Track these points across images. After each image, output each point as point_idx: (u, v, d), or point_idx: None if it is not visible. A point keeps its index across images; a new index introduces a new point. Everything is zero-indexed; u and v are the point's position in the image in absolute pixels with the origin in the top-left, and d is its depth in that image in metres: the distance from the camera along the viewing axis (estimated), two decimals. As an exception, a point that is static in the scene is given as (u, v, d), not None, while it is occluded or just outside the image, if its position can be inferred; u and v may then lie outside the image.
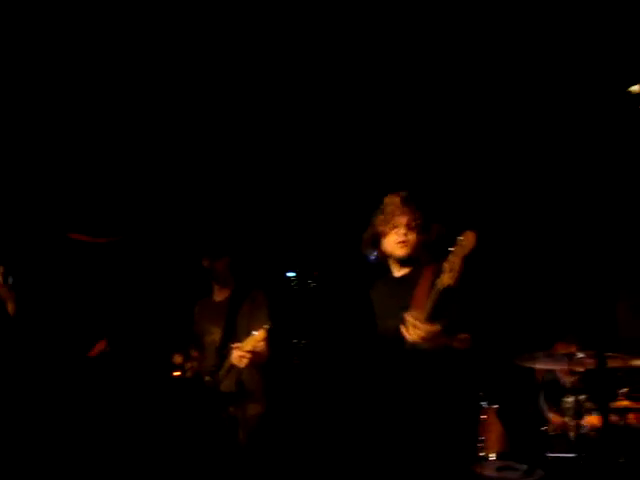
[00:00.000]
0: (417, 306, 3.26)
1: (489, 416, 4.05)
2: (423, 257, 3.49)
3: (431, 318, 3.10)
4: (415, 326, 3.09)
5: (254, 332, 3.82)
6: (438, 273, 3.20)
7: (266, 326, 3.83)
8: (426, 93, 4.86)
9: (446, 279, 3.07)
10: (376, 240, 3.54)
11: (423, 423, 3.18)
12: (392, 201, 3.51)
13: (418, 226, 3.45)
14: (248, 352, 3.79)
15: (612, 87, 2.24)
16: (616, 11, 4.09)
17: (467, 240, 3.07)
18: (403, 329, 3.14)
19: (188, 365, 4.08)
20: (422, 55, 4.57)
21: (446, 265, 3.08)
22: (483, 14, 4.29)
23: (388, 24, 4.39)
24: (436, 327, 3.09)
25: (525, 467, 3.88)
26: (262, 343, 3.83)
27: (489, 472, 3.86)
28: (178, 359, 4.13)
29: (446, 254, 3.20)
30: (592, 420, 3.99)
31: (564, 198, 4.96)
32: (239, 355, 3.82)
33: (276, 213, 5.29)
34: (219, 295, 4.32)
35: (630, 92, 2.09)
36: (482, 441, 3.92)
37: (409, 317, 3.13)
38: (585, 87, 4.45)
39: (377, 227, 3.51)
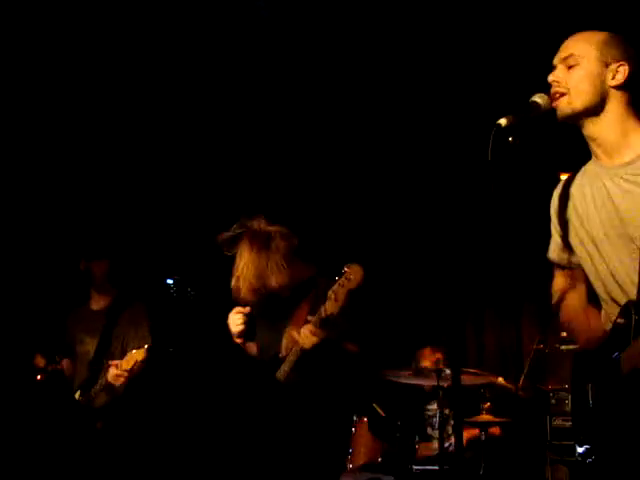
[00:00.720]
0: (295, 325, 3.28)
1: (359, 428, 4.15)
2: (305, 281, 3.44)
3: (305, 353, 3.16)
4: (311, 332, 3.14)
5: (134, 350, 3.73)
6: (316, 292, 3.27)
7: (147, 345, 3.75)
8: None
9: (330, 308, 3.11)
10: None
11: (292, 433, 3.19)
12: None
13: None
14: (125, 371, 3.69)
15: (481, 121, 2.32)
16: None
17: (354, 274, 3.11)
18: (295, 336, 3.17)
19: (50, 368, 3.88)
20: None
21: (330, 294, 3.10)
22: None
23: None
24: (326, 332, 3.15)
25: (391, 479, 3.99)
26: (141, 363, 3.72)
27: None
28: (40, 362, 3.92)
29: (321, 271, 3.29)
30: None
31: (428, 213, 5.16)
32: (116, 374, 3.72)
33: (158, 215, 5.20)
34: (97, 303, 4.14)
35: (499, 125, 2.14)
36: (351, 453, 4.01)
37: (300, 330, 3.18)
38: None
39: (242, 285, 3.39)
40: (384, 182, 5.34)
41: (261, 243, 3.33)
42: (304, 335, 3.16)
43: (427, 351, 4.61)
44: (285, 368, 3.21)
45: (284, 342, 3.30)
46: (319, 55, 4.50)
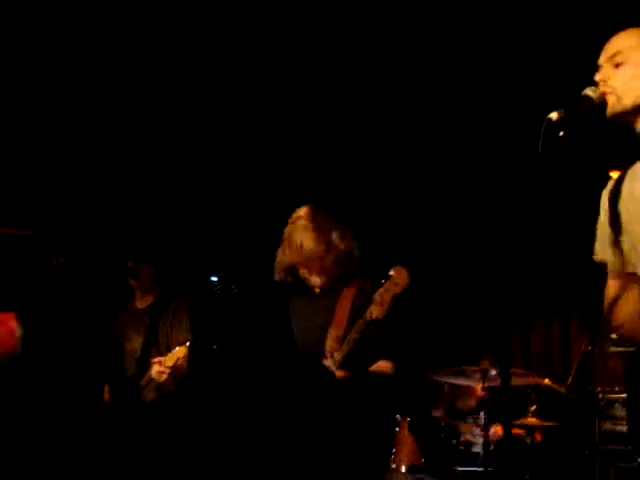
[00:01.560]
0: (337, 322, 3.27)
1: (402, 429, 4.11)
2: (342, 275, 3.42)
3: (352, 350, 3.11)
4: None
5: (176, 348, 3.77)
6: (360, 293, 3.25)
7: (187, 342, 3.78)
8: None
9: (375, 312, 3.05)
10: (292, 270, 3.44)
11: (337, 435, 3.17)
12: (296, 228, 3.40)
13: (329, 252, 3.34)
14: (168, 368, 3.73)
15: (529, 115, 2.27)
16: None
17: (400, 278, 3.05)
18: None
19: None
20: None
21: (377, 297, 3.05)
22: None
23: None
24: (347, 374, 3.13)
25: (435, 480, 3.95)
26: (183, 360, 3.76)
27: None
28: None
29: (363, 272, 3.26)
30: (498, 430, 4.10)
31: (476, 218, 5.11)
32: (159, 371, 3.76)
33: (200, 217, 5.25)
34: (141, 302, 4.21)
35: (550, 119, 2.09)
36: (394, 453, 3.98)
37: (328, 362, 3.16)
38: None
39: (287, 257, 3.41)
40: (431, 182, 5.30)
41: (325, 230, 3.34)
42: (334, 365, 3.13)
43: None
44: (338, 357, 3.17)
45: (328, 343, 3.26)
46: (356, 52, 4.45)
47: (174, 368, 3.74)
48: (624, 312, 2.27)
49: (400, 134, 5.03)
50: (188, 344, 3.77)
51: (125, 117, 4.84)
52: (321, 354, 3.26)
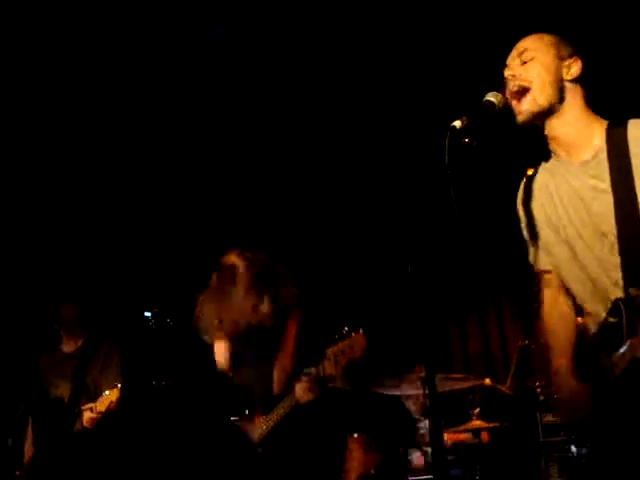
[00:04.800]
0: (284, 357, 3.24)
1: (352, 444, 4.11)
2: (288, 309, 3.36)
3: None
4: (308, 389, 3.06)
5: (107, 391, 3.68)
6: (305, 327, 3.24)
7: (119, 384, 3.70)
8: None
9: (329, 369, 3.00)
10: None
11: (290, 450, 3.14)
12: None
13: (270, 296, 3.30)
14: (100, 413, 3.65)
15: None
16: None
17: (358, 345, 2.99)
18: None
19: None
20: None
21: (330, 355, 2.99)
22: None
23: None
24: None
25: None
26: (115, 403, 3.67)
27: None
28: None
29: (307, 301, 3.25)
30: (445, 437, 4.13)
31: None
32: (91, 417, 3.68)
33: (132, 253, 5.16)
34: (68, 345, 4.08)
35: (453, 127, 2.12)
36: (345, 471, 3.96)
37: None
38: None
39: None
40: (349, 194, 5.37)
41: (225, 279, 3.28)
42: (301, 389, 3.07)
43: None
44: (265, 426, 3.15)
45: (276, 376, 3.24)
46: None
47: (105, 413, 3.64)
48: (549, 323, 2.32)
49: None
50: (120, 386, 3.68)
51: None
52: (269, 388, 3.23)
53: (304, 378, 3.08)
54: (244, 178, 5.20)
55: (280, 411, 3.12)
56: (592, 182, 2.14)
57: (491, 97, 2.21)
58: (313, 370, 3.06)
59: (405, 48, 4.39)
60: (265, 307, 3.26)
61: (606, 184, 2.10)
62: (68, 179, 4.93)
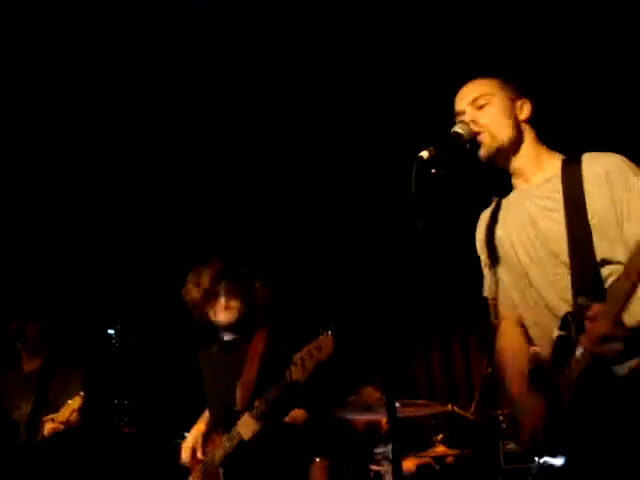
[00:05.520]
0: (248, 373, 3.25)
1: (315, 470, 4.08)
2: (252, 320, 3.44)
3: (269, 408, 3.06)
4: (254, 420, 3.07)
5: (69, 401, 3.65)
6: (270, 346, 3.25)
7: (82, 393, 3.67)
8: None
9: (295, 375, 2.98)
10: (200, 310, 3.45)
11: (251, 473, 3.15)
12: (205, 272, 3.43)
13: (240, 292, 3.39)
14: (61, 423, 3.63)
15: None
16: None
17: (326, 346, 2.98)
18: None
19: None
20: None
21: (297, 360, 2.97)
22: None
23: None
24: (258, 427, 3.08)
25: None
26: (77, 413, 3.65)
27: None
28: None
29: (277, 317, 3.25)
30: (406, 464, 4.13)
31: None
32: (52, 427, 3.64)
33: (93, 270, 5.12)
34: (29, 364, 4.04)
35: (420, 157, 2.15)
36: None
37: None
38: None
39: (194, 297, 3.44)
40: (313, 215, 5.40)
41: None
42: (244, 425, 3.07)
43: (370, 389, 4.55)
44: (228, 445, 3.14)
45: (239, 392, 3.23)
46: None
47: (67, 422, 3.63)
48: (504, 359, 2.35)
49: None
50: (83, 395, 3.65)
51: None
52: (232, 404, 3.22)
53: (250, 411, 3.08)
54: (203, 191, 5.18)
55: (234, 437, 3.12)
56: (545, 203, 2.20)
57: (458, 128, 2.26)
58: (261, 401, 3.05)
59: (378, 78, 4.46)
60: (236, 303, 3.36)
61: (559, 206, 2.16)
62: (31, 194, 4.88)
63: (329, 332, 2.98)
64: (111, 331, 4.42)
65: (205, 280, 3.37)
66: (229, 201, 5.25)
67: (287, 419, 3.22)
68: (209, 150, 4.95)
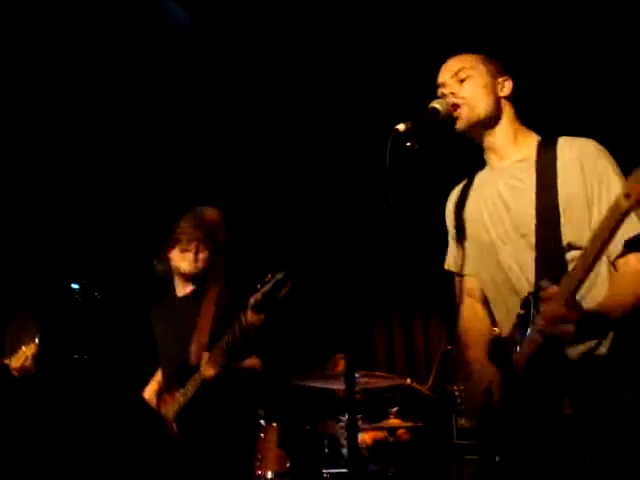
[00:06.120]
0: (202, 327, 3.23)
1: (267, 435, 4.13)
2: (211, 276, 3.43)
3: (224, 353, 3.04)
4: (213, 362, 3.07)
5: (23, 347, 3.63)
6: (224, 296, 3.22)
7: (37, 340, 3.64)
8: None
9: (250, 317, 2.96)
10: (164, 252, 3.42)
11: (201, 439, 3.13)
12: (186, 219, 3.39)
13: (210, 243, 3.36)
14: (15, 369, 3.61)
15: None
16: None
17: (279, 283, 2.93)
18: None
19: None
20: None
21: (252, 301, 2.93)
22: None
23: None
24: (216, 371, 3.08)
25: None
26: (31, 359, 3.63)
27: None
28: None
29: (234, 276, 3.23)
30: (364, 438, 4.21)
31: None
32: None
33: (58, 221, 5.04)
34: None
35: (397, 130, 2.16)
36: (259, 460, 3.99)
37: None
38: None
39: (169, 239, 3.39)
40: (285, 186, 5.42)
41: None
42: (204, 363, 3.08)
43: (338, 357, 4.64)
44: (182, 399, 3.15)
45: (192, 347, 3.21)
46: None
47: (21, 369, 3.61)
48: (465, 327, 2.40)
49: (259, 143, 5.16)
50: (37, 342, 3.63)
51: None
52: (186, 360, 3.20)
53: (210, 352, 3.08)
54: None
55: (191, 386, 3.11)
56: (517, 183, 2.23)
57: (436, 104, 2.27)
58: (221, 342, 3.04)
59: (359, 51, 4.48)
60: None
61: (530, 187, 2.18)
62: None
63: (282, 272, 2.92)
64: (75, 286, 4.37)
65: (185, 224, 3.34)
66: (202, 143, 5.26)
67: (244, 364, 3.21)
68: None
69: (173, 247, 3.37)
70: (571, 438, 1.97)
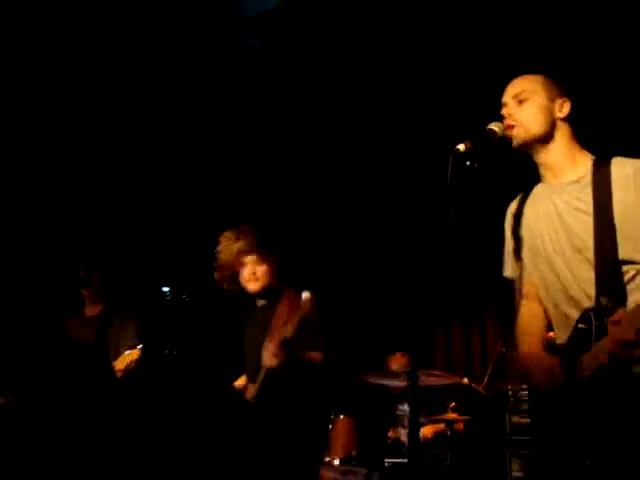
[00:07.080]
0: (275, 331, 3.54)
1: (336, 425, 4.47)
2: (279, 284, 3.72)
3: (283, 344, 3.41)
4: (273, 354, 3.42)
5: (127, 351, 3.86)
6: (293, 299, 3.56)
7: (140, 345, 3.88)
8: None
9: (284, 331, 3.40)
10: (234, 278, 3.72)
11: (276, 429, 3.40)
12: (228, 242, 3.69)
13: (263, 259, 3.63)
14: (120, 371, 3.81)
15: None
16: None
17: (304, 304, 3.38)
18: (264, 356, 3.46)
19: None
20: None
21: (286, 319, 3.44)
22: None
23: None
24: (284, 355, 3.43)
25: (365, 471, 4.29)
26: (135, 363, 3.84)
27: (333, 475, 4.25)
28: None
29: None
30: (424, 432, 4.53)
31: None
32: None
33: (152, 227, 5.41)
34: (91, 310, 4.32)
35: (457, 150, 2.37)
36: (329, 448, 4.31)
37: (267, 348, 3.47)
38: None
39: (227, 267, 3.70)
40: (355, 199, 5.61)
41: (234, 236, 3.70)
42: (266, 357, 3.43)
43: (398, 356, 5.02)
44: (254, 389, 3.50)
45: (264, 353, 3.52)
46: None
47: (124, 371, 3.79)
48: (524, 338, 2.56)
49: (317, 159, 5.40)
50: (141, 347, 3.86)
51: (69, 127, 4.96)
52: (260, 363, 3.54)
53: (269, 345, 3.42)
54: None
55: (260, 377, 3.46)
56: (574, 202, 2.34)
57: (493, 126, 2.47)
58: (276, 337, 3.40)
59: (419, 73, 4.63)
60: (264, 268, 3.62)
61: (587, 206, 2.29)
62: (88, 156, 5.13)
63: (305, 293, 3.35)
64: (166, 289, 4.75)
65: (237, 248, 3.61)
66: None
67: (308, 356, 3.52)
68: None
69: (237, 271, 3.68)
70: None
